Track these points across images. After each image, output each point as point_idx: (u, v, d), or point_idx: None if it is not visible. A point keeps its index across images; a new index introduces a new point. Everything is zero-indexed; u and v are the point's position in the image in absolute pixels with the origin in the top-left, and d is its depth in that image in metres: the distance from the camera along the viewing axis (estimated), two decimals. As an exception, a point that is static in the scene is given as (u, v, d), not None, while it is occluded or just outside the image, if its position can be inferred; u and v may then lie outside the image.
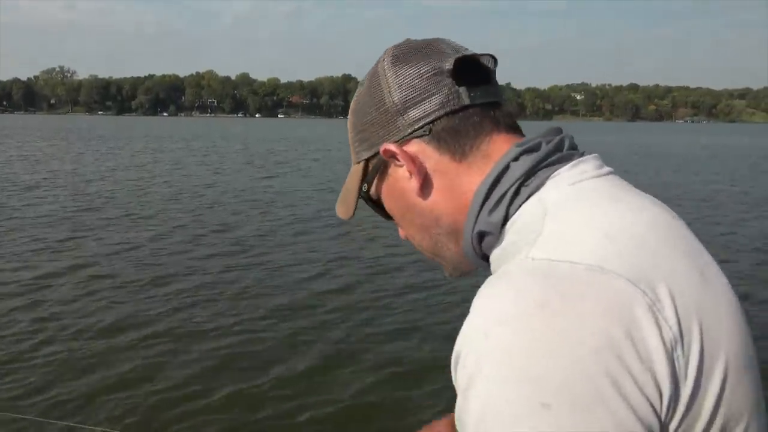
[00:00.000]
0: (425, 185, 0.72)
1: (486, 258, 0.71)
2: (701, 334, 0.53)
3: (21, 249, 8.18)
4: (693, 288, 0.56)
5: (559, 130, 0.71)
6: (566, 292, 0.52)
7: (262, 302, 6.16)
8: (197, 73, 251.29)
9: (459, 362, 0.56)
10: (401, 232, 0.81)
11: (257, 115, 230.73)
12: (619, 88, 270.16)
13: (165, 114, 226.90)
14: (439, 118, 0.70)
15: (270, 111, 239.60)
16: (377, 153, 0.74)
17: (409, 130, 0.71)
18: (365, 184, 0.78)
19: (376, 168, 0.76)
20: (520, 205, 0.65)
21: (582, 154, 0.69)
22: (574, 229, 0.59)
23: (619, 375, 0.49)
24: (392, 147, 0.71)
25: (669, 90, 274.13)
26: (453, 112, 0.69)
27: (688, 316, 0.53)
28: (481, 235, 0.69)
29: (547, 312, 0.51)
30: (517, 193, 0.66)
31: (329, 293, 6.51)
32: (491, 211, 0.67)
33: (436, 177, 0.71)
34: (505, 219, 0.66)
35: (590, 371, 0.49)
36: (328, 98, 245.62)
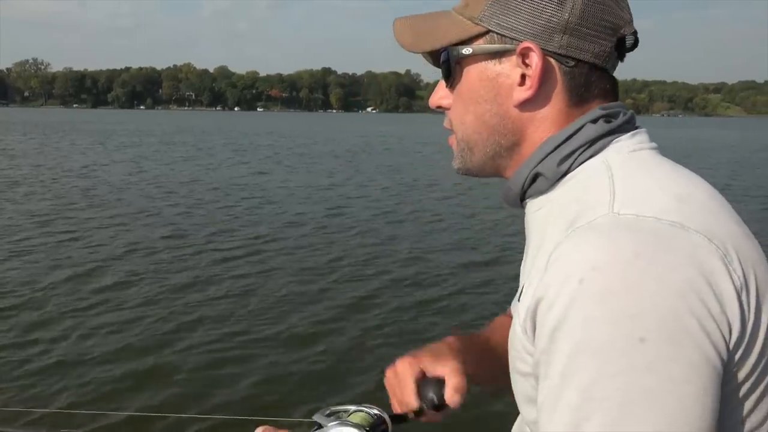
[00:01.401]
0: (529, 102, 0.72)
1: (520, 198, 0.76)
2: (756, 282, 0.60)
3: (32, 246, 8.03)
4: (745, 245, 0.62)
5: (624, 105, 0.74)
6: (656, 243, 0.57)
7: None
8: (175, 65, 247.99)
9: (543, 306, 0.59)
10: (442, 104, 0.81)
11: (236, 109, 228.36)
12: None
13: (142, 107, 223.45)
14: (586, 62, 0.70)
15: (249, 104, 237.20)
16: (506, 37, 0.71)
17: (561, 51, 0.70)
18: (466, 47, 0.74)
19: (490, 49, 0.72)
20: (581, 163, 0.70)
21: (637, 128, 0.73)
22: (648, 190, 0.63)
23: (701, 314, 0.55)
24: (536, 50, 0.69)
25: (646, 84, 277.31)
26: (596, 68, 0.71)
27: (748, 268, 0.60)
28: (535, 177, 0.73)
29: (641, 260, 0.56)
30: (583, 152, 0.70)
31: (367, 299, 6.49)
32: (560, 162, 0.70)
33: (543, 102, 0.72)
34: (566, 172, 0.70)
35: (679, 310, 0.54)
36: (307, 92, 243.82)
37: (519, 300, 0.74)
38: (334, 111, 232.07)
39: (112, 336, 5.06)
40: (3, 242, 8.15)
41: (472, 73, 0.75)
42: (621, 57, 0.74)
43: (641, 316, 0.54)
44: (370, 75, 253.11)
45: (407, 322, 5.49)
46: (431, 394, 0.86)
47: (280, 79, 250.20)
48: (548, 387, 0.58)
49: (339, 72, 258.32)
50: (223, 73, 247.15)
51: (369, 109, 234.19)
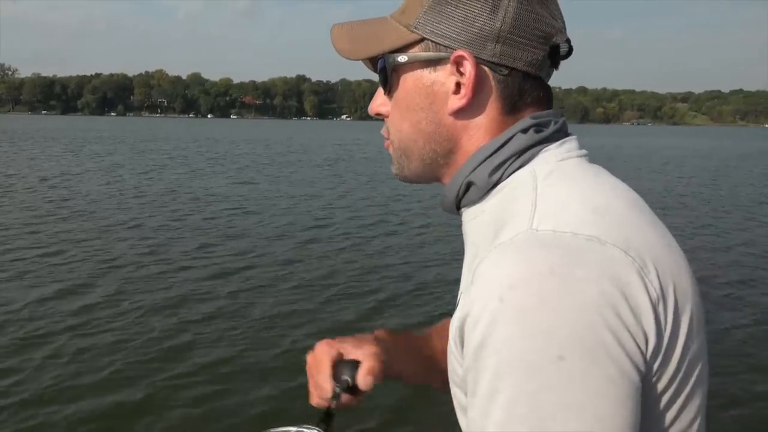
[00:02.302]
0: (464, 110, 0.73)
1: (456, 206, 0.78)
2: (675, 293, 0.62)
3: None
4: (665, 255, 0.64)
5: (560, 113, 0.75)
6: (571, 258, 0.59)
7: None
8: (147, 72, 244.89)
9: (469, 323, 0.61)
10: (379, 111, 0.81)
11: (209, 116, 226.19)
12: (568, 91, 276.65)
13: (113, 114, 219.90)
14: (519, 71, 0.71)
15: (222, 111, 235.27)
16: (441, 45, 0.72)
17: (494, 60, 0.70)
18: (402, 55, 0.74)
19: (425, 57, 0.73)
20: (511, 173, 0.71)
21: (567, 135, 0.75)
22: (567, 203, 0.65)
23: (616, 327, 0.56)
24: (470, 58, 0.70)
25: (616, 93, 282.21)
26: (530, 76, 0.72)
27: (666, 279, 0.61)
28: (468, 186, 0.74)
29: (556, 276, 0.57)
30: (513, 161, 0.71)
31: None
32: (491, 172, 0.71)
33: (477, 111, 0.73)
34: (497, 182, 0.72)
35: (594, 325, 0.56)
36: (282, 99, 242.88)
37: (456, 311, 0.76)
38: (309, 118, 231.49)
39: (93, 363, 4.73)
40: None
41: (408, 81, 0.75)
42: (555, 65, 0.75)
43: (557, 332, 0.56)
44: (344, 83, 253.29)
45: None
46: (345, 376, 0.86)
47: (254, 87, 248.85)
48: (476, 405, 0.60)
49: (313, 79, 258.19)
50: (196, 79, 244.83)
51: (344, 117, 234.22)
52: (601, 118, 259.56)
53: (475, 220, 0.74)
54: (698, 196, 15.78)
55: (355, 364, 0.86)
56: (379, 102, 0.81)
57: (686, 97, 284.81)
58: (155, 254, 8.18)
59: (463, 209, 0.77)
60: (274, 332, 5.46)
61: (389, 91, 0.78)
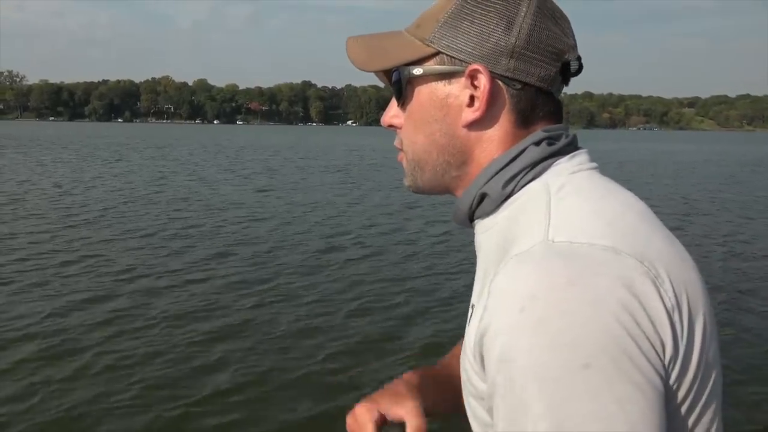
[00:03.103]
0: (477, 123, 0.74)
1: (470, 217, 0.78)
2: (688, 301, 0.62)
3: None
4: (677, 265, 0.64)
5: (566, 127, 0.77)
6: (588, 268, 0.59)
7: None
8: (153, 78, 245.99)
9: (489, 336, 0.61)
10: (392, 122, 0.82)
11: (215, 122, 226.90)
12: (574, 96, 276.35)
13: (120, 120, 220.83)
14: (532, 86, 0.73)
15: (228, 117, 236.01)
16: (456, 59, 0.73)
17: (508, 74, 0.72)
18: (417, 67, 0.76)
19: (440, 70, 0.75)
20: (524, 185, 0.72)
21: (577, 148, 0.76)
22: (581, 215, 0.65)
23: (637, 336, 0.57)
24: (485, 72, 0.71)
25: (622, 98, 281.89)
26: (542, 91, 0.74)
27: (679, 288, 0.62)
28: (482, 197, 0.75)
29: (575, 286, 0.58)
30: (526, 174, 0.72)
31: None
32: (505, 184, 0.72)
33: (490, 123, 0.74)
34: (510, 194, 0.73)
35: (616, 333, 0.56)
36: (287, 105, 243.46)
37: (469, 323, 0.75)
38: (314, 124, 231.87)
39: (118, 379, 4.54)
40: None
41: (422, 93, 0.76)
42: (566, 81, 0.77)
43: (581, 341, 0.56)
44: (349, 89, 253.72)
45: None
46: None
47: (259, 93, 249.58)
48: (502, 418, 0.59)
49: (319, 85, 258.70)
50: (203, 86, 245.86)
51: (349, 123, 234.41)
52: (607, 123, 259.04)
53: (488, 231, 0.75)
54: (718, 202, 15.52)
55: (401, 427, 0.85)
56: (392, 114, 0.82)
57: (693, 102, 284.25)
58: (173, 264, 7.99)
59: (476, 221, 0.78)
60: (301, 348, 5.25)
61: (403, 103, 0.79)
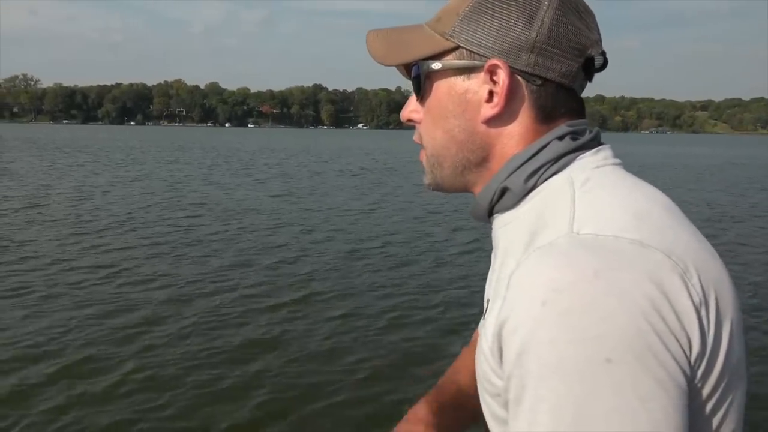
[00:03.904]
0: (497, 118, 0.73)
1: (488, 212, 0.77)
2: (717, 299, 0.60)
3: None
4: (706, 261, 0.62)
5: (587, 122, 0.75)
6: (615, 261, 0.58)
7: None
8: (165, 81, 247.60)
9: (509, 328, 0.59)
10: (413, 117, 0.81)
11: (227, 125, 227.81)
12: (586, 100, 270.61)
13: (132, 123, 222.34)
14: (553, 81, 0.71)
15: (240, 120, 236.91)
16: (475, 53, 0.72)
17: (528, 70, 0.70)
18: (436, 62, 0.75)
19: (459, 65, 0.73)
20: (546, 179, 0.71)
21: (600, 143, 0.74)
22: (607, 208, 0.64)
23: (663, 331, 0.55)
24: (504, 68, 0.70)
25: (634, 101, 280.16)
26: (563, 87, 0.72)
27: (708, 285, 0.60)
28: (503, 192, 0.73)
29: (601, 279, 0.56)
30: (549, 167, 0.71)
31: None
32: (527, 178, 0.71)
33: (510, 119, 0.73)
34: (532, 188, 0.71)
35: (641, 328, 0.55)
36: (299, 108, 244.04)
37: (485, 318, 0.74)
38: (325, 127, 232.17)
39: (152, 392, 4.32)
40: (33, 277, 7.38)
41: (441, 88, 0.75)
42: (589, 77, 0.75)
43: (605, 336, 0.54)
44: (361, 92, 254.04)
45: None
46: None
47: (271, 96, 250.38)
48: (520, 412, 0.58)
49: (330, 88, 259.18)
50: (214, 89, 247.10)
51: (360, 126, 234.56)
52: (619, 127, 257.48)
53: (507, 226, 0.74)
54: (748, 208, 15.13)
55: None
56: (411, 108, 0.81)
57: (706, 105, 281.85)
58: (196, 273, 7.78)
59: (495, 216, 0.77)
60: (335, 363, 5.01)
61: (422, 97, 0.78)
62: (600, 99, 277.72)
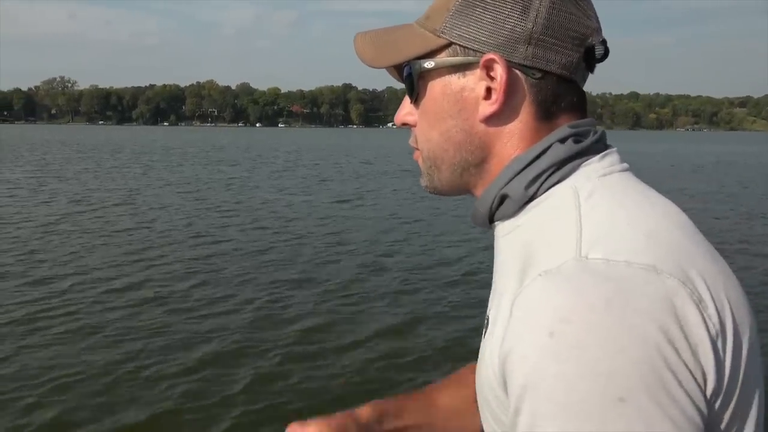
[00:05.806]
0: (496, 116, 0.69)
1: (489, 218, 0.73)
2: (734, 324, 0.57)
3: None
4: (721, 283, 0.59)
5: (596, 122, 0.71)
6: (628, 291, 0.54)
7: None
8: (198, 83, 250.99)
9: (513, 361, 0.56)
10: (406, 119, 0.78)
11: (258, 125, 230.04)
12: (619, 97, 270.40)
13: (165, 124, 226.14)
14: (553, 74, 0.68)
15: (270, 120, 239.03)
16: (469, 49, 0.68)
17: (526, 63, 0.67)
18: (428, 61, 0.71)
19: (453, 62, 0.69)
20: (549, 187, 0.67)
21: (606, 146, 0.70)
22: (617, 227, 0.60)
23: (678, 367, 0.52)
24: (500, 62, 0.66)
25: (669, 98, 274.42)
26: (564, 79, 0.69)
27: (723, 311, 0.57)
28: (503, 199, 0.70)
29: (613, 310, 0.53)
30: (551, 174, 0.67)
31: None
32: (527, 185, 0.67)
33: (510, 117, 0.69)
34: (533, 196, 0.67)
35: (655, 364, 0.51)
36: (328, 108, 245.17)
37: (485, 337, 0.70)
38: (355, 126, 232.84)
39: (197, 401, 4.20)
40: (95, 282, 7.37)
41: (435, 88, 0.72)
42: (590, 68, 0.71)
43: (617, 371, 0.51)
44: (390, 90, 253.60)
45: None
46: None
47: (301, 95, 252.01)
48: None
49: (359, 88, 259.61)
50: (245, 89, 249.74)
51: (389, 125, 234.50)
52: (653, 124, 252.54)
53: (508, 235, 0.70)
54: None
55: None
56: (405, 111, 0.77)
57: (744, 102, 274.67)
58: (256, 282, 7.69)
59: (496, 223, 0.73)
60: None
61: (416, 99, 0.75)
62: (634, 96, 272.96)
